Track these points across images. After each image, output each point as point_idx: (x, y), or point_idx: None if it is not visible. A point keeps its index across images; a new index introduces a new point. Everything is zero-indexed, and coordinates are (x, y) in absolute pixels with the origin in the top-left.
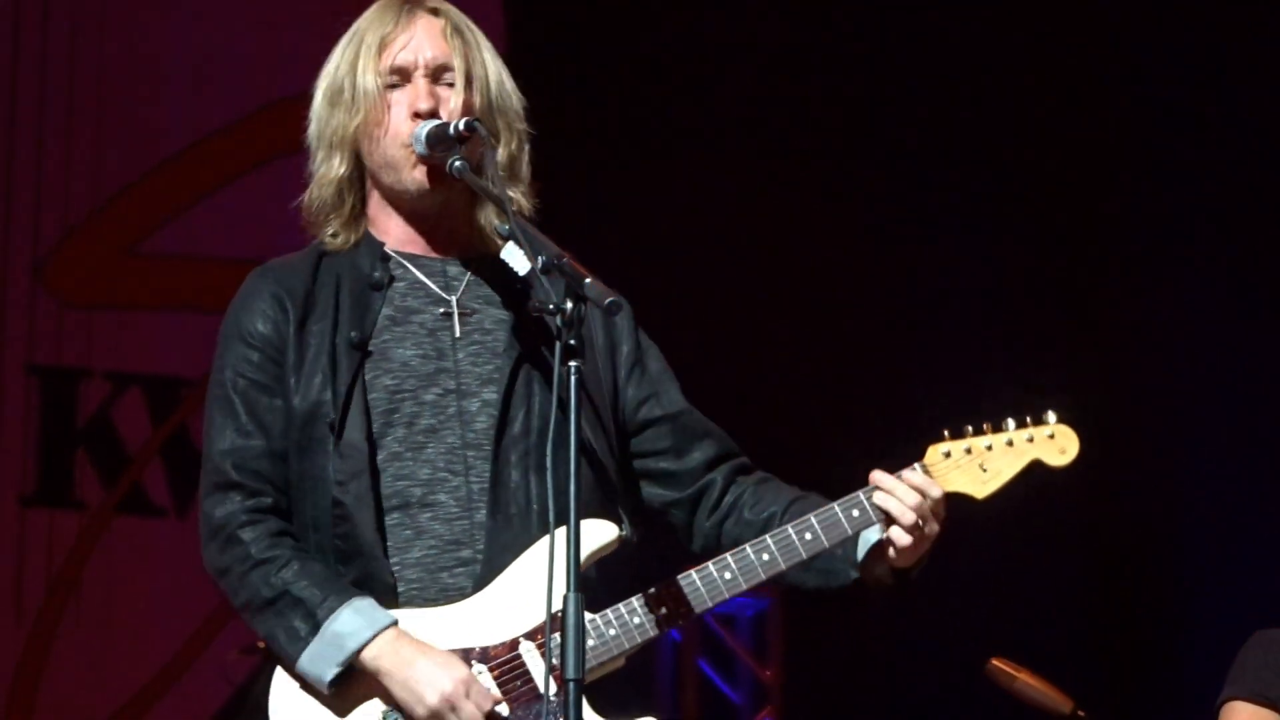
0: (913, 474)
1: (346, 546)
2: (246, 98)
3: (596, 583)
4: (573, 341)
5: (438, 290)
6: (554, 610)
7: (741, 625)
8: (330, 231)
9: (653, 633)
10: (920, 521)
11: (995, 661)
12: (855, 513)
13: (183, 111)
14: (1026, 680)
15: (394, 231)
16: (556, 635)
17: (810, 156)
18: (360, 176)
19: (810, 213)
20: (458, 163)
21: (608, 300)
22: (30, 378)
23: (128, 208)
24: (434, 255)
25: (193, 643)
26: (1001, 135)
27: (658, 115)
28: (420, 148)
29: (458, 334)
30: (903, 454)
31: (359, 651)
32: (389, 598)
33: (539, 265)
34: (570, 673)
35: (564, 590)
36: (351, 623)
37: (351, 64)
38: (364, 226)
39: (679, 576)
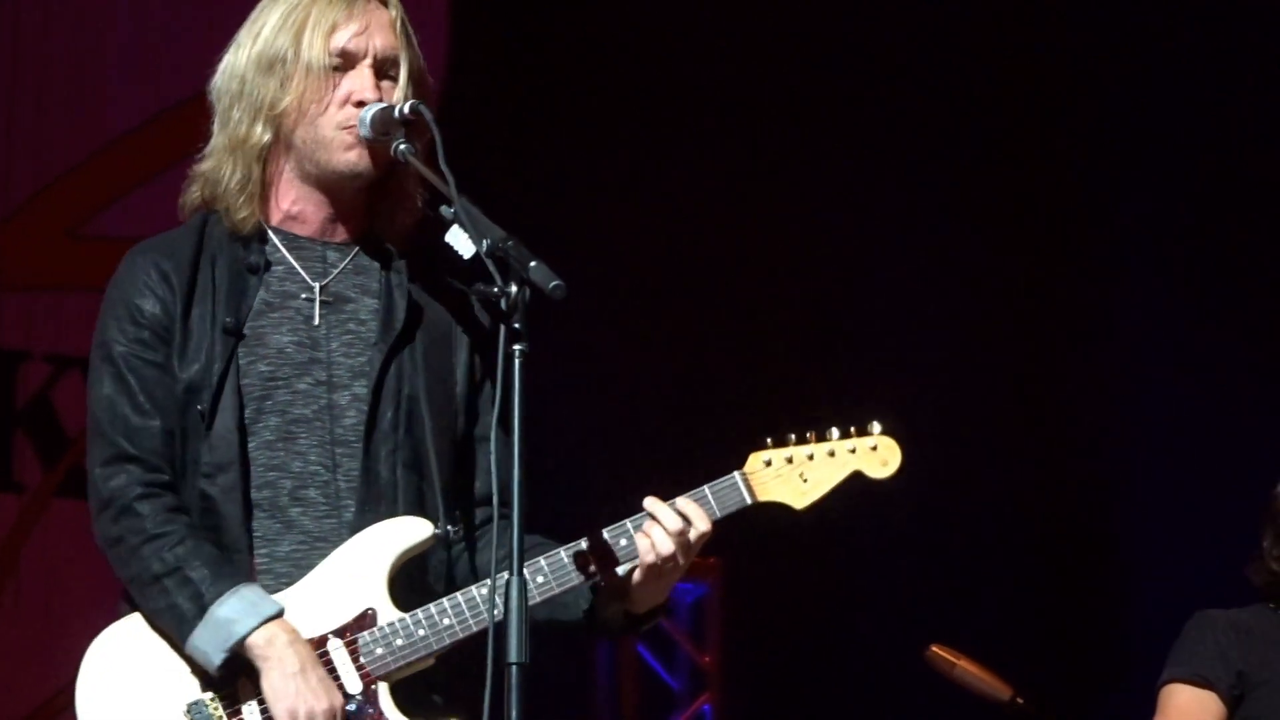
0: (687, 503)
1: (214, 539)
2: (190, 81)
3: (407, 582)
4: (517, 325)
5: (307, 277)
6: (365, 608)
7: (680, 611)
8: (240, 213)
9: (461, 635)
10: (678, 557)
11: (935, 648)
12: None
13: (126, 94)
14: (966, 667)
15: (284, 208)
16: (365, 633)
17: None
18: (271, 148)
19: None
20: (403, 145)
21: (552, 284)
22: None
23: (70, 190)
24: (317, 238)
25: None
26: (946, 134)
27: (598, 107)
28: (365, 130)
29: (315, 321)
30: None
31: (245, 638)
32: None
33: (484, 248)
34: (513, 656)
35: (508, 575)
36: (237, 608)
37: (295, 36)
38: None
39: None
